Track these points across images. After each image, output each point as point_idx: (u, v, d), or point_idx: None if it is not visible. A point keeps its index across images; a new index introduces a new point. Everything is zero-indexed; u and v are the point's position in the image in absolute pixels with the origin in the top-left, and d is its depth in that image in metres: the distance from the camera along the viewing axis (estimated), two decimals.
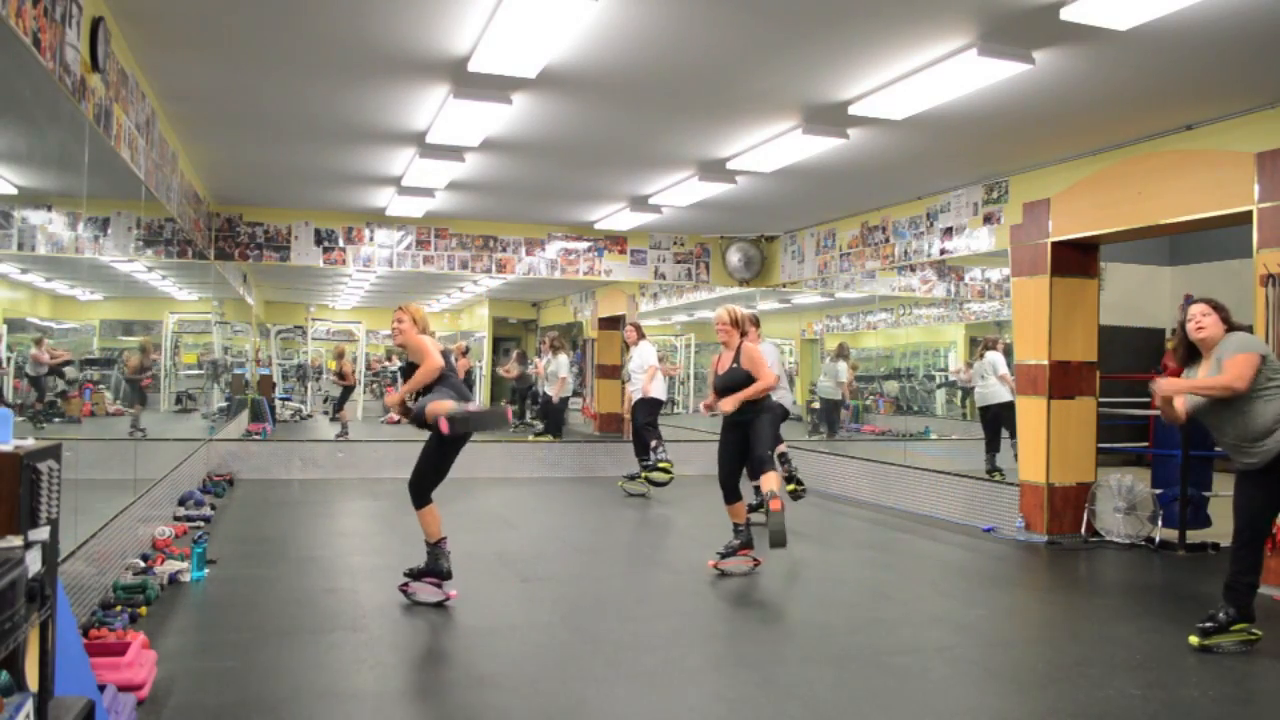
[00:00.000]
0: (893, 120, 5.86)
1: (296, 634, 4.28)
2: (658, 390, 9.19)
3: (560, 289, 15.68)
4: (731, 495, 5.88)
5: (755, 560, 5.82)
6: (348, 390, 14.32)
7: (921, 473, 8.40)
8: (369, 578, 5.45)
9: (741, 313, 5.90)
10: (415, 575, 4.99)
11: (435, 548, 4.95)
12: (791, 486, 7.70)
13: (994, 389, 8.65)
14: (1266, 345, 4.57)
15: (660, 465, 9.03)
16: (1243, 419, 4.18)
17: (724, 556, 5.82)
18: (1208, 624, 4.28)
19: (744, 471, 5.98)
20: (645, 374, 9.16)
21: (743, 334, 5.82)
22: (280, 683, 3.64)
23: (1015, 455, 7.67)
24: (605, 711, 3.45)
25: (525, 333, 17.80)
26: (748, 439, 5.76)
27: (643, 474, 9.08)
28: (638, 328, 9.53)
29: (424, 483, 4.96)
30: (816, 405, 12.15)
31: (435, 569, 4.95)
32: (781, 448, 7.66)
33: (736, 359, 5.76)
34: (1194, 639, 4.29)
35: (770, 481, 5.62)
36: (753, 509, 6.43)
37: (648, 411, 9.18)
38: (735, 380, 5.72)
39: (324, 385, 17.92)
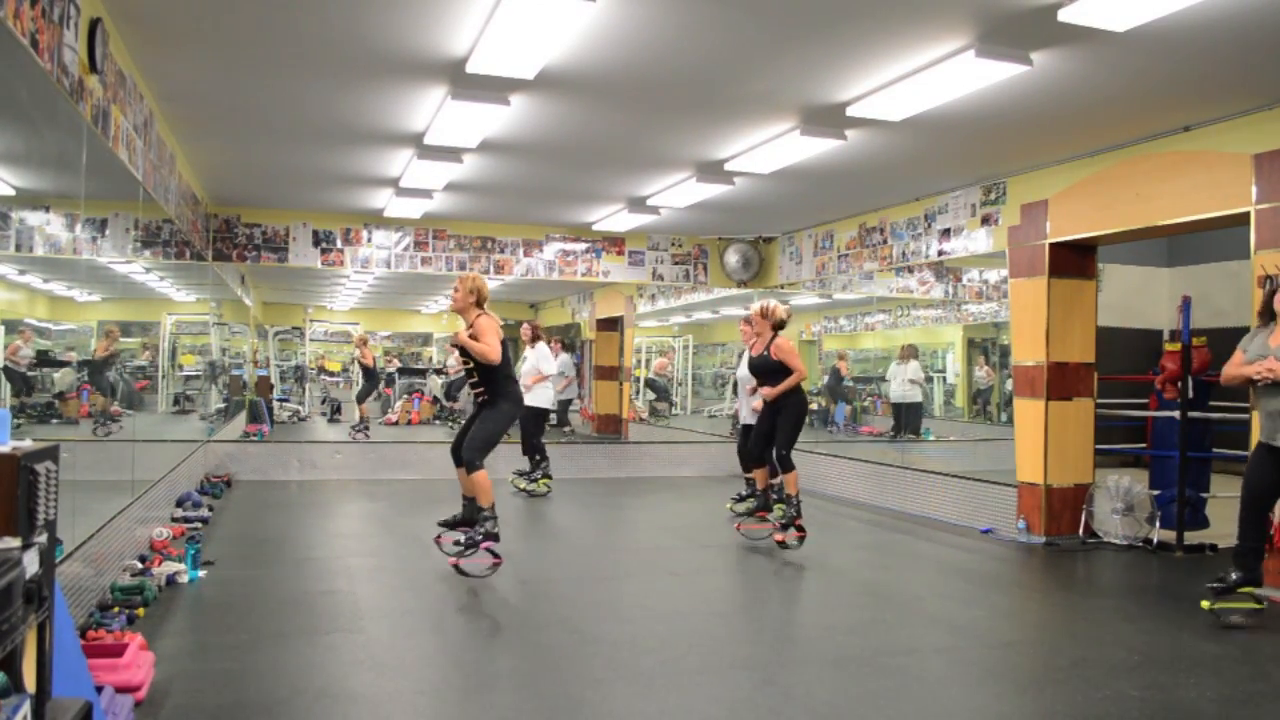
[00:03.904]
0: (890, 122, 5.86)
1: (294, 635, 4.28)
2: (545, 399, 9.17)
3: (558, 290, 15.68)
4: (757, 463, 6.92)
5: (801, 531, 6.43)
6: (371, 377, 13.66)
7: (919, 474, 8.40)
8: (367, 579, 5.45)
9: (773, 308, 6.65)
10: (473, 544, 5.36)
11: (492, 511, 5.41)
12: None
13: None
14: None
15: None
16: None
17: (743, 516, 6.96)
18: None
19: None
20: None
21: (777, 328, 6.59)
22: (278, 684, 3.64)
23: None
24: (603, 713, 3.44)
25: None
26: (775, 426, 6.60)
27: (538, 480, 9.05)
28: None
29: (487, 449, 5.45)
30: (815, 407, 12.15)
31: (493, 533, 5.38)
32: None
33: (767, 348, 6.58)
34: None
35: (791, 484, 6.51)
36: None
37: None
38: (766, 366, 6.57)
39: (322, 387, 17.87)
